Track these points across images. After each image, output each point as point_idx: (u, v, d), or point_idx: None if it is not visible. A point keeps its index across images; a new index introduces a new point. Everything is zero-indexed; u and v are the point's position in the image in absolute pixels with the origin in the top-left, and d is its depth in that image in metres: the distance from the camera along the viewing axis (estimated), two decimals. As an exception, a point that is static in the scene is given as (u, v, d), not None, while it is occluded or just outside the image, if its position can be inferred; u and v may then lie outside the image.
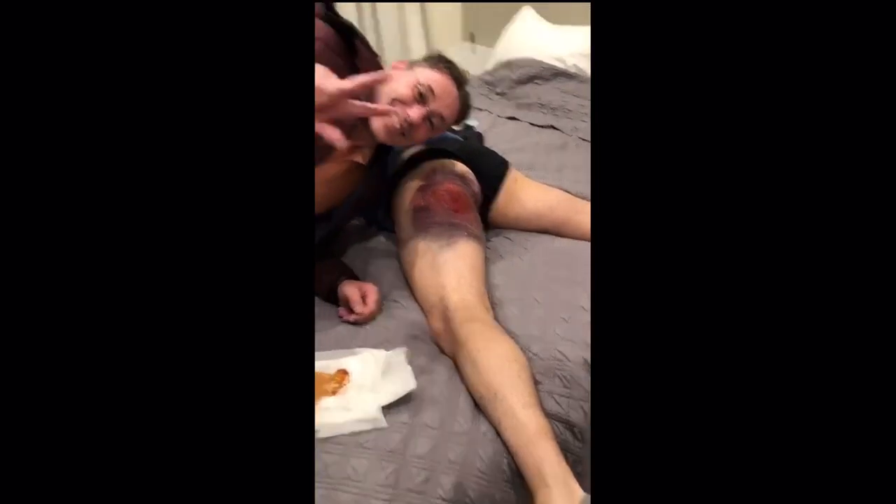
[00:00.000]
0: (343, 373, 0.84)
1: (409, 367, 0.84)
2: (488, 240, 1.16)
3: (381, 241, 1.20)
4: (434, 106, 0.96)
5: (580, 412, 0.83)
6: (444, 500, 0.71)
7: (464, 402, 0.81)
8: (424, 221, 1.04)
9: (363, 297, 0.98)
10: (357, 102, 0.77)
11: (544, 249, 1.13)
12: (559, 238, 1.17)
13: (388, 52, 2.61)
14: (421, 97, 0.94)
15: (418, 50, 2.70)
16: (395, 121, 0.91)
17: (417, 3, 2.62)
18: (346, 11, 2.49)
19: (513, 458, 0.75)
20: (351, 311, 0.98)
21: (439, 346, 0.94)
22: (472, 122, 1.56)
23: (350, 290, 0.99)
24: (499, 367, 0.80)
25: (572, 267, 1.05)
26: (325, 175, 1.00)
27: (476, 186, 1.16)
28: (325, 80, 0.73)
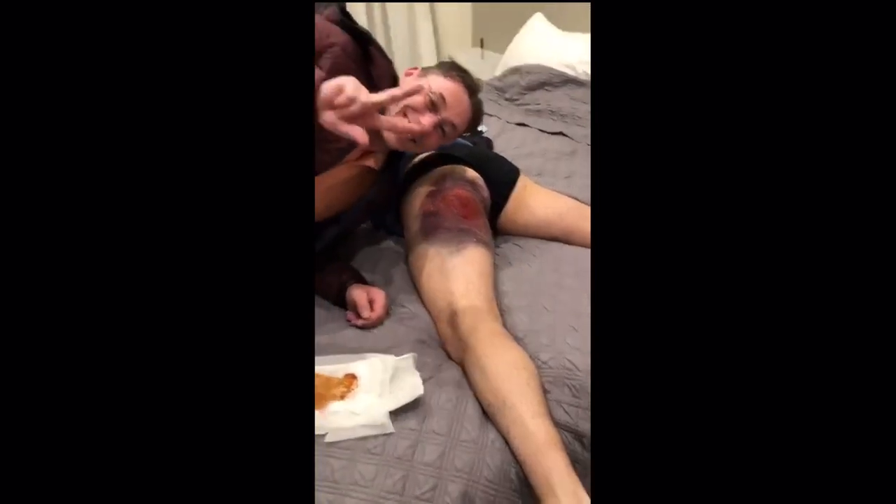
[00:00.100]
0: (351, 377, 0.84)
1: (416, 373, 0.84)
2: (497, 246, 1.16)
3: (389, 245, 1.20)
4: (445, 114, 0.96)
5: (589, 422, 0.82)
6: (451, 508, 0.70)
7: (472, 410, 0.81)
8: (433, 227, 1.03)
9: (371, 303, 0.98)
10: (384, 117, 0.80)
11: (553, 257, 1.12)
12: (568, 245, 1.17)
13: (398, 56, 2.62)
14: (433, 105, 0.94)
15: (428, 55, 2.71)
16: (405, 123, 0.92)
17: (428, 9, 2.63)
18: (357, 15, 2.50)
19: (521, 467, 0.74)
20: (359, 315, 0.98)
21: (447, 352, 0.93)
22: (480, 127, 1.56)
23: (358, 294, 0.99)
24: (507, 374, 0.80)
25: (581, 275, 1.04)
26: (337, 178, 1.01)
27: (486, 192, 1.16)
28: (358, 91, 0.74)
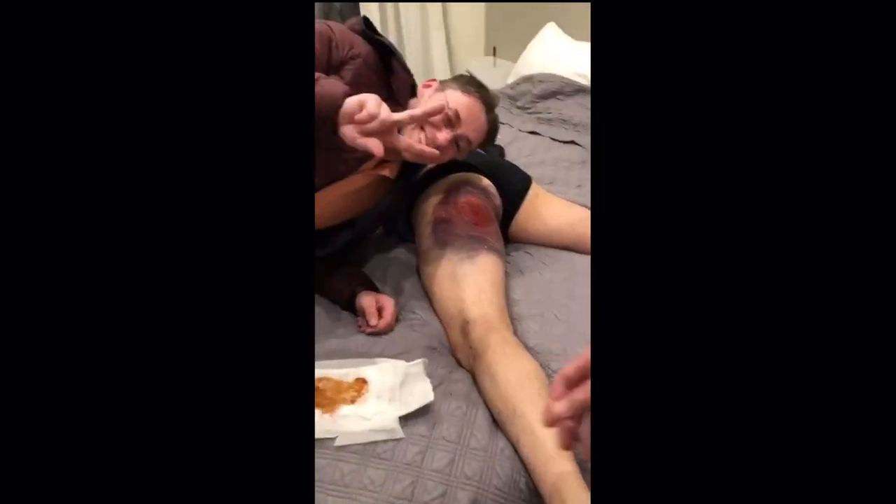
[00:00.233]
0: (362, 381, 0.84)
1: (427, 379, 0.84)
2: (508, 254, 1.16)
3: (401, 251, 1.20)
4: (461, 130, 0.97)
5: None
6: (460, 515, 0.70)
7: (481, 417, 0.81)
8: (445, 234, 1.04)
9: (380, 310, 0.98)
10: (402, 137, 0.82)
11: (565, 266, 1.12)
12: (579, 255, 1.17)
13: (411, 64, 2.62)
14: (449, 121, 0.95)
15: (441, 63, 2.72)
16: (422, 146, 0.92)
17: (441, 18, 2.65)
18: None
19: (530, 475, 0.74)
20: (368, 322, 0.98)
21: (457, 360, 0.93)
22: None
23: (367, 301, 0.99)
24: (518, 382, 0.80)
25: (592, 284, 1.04)
26: (352, 187, 1.02)
27: (497, 200, 1.16)
28: (379, 108, 0.75)
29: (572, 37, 2.15)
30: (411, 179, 1.13)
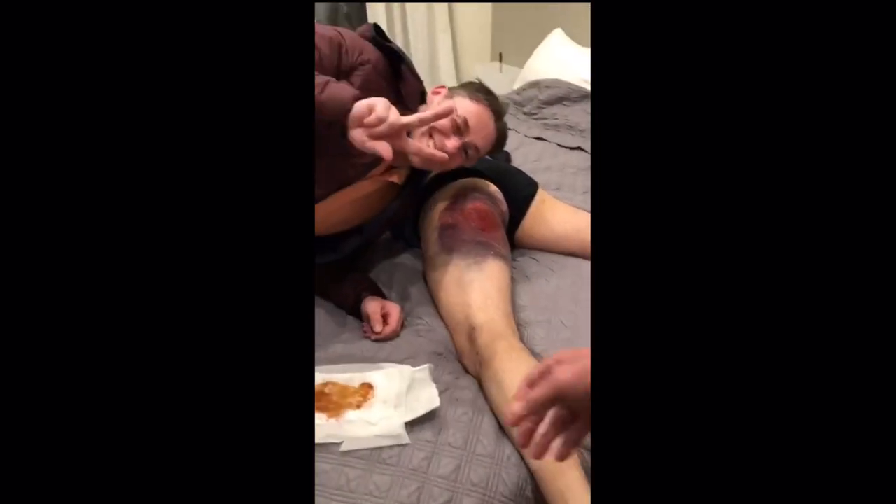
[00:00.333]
0: (368, 386, 0.84)
1: (433, 385, 0.84)
2: (514, 260, 1.16)
3: (407, 257, 1.20)
4: (470, 138, 0.97)
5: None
6: (465, 522, 0.70)
7: (487, 424, 0.81)
8: (452, 239, 1.04)
9: (385, 316, 0.98)
10: (411, 141, 0.82)
11: (571, 272, 1.12)
12: (585, 261, 1.16)
13: (417, 69, 2.64)
14: (458, 128, 0.95)
15: (447, 69, 2.73)
16: (431, 150, 0.93)
17: (447, 23, 2.66)
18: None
19: (537, 483, 0.74)
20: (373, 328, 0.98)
21: (463, 365, 0.93)
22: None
23: (373, 307, 0.99)
24: (525, 389, 0.79)
25: (599, 291, 1.04)
26: (360, 193, 1.02)
27: (504, 206, 1.16)
28: (388, 111, 0.76)
29: (579, 43, 2.15)
30: (418, 185, 1.13)
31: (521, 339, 0.94)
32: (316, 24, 1.04)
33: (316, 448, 0.76)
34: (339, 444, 0.76)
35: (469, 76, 2.80)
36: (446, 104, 0.82)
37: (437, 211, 1.10)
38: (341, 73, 0.91)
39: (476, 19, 2.77)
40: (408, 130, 0.81)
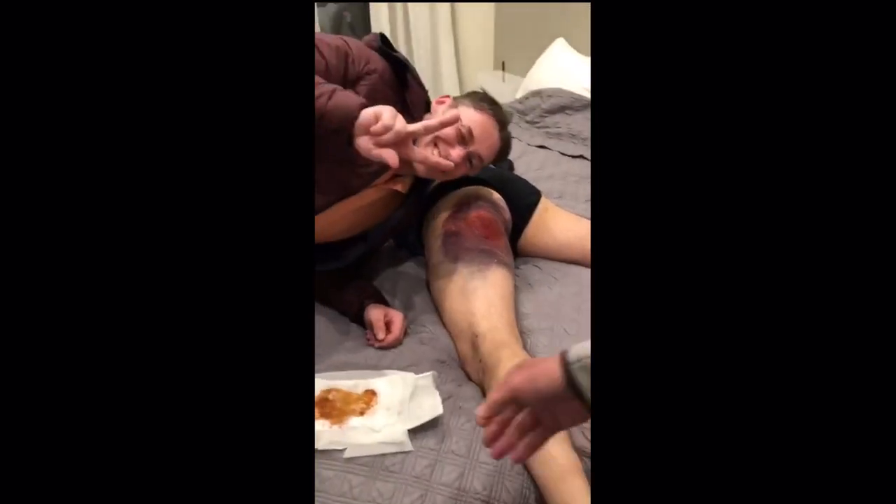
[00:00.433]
0: (371, 393, 0.84)
1: (436, 392, 0.84)
2: (517, 268, 1.16)
3: (411, 265, 1.21)
4: (474, 147, 0.98)
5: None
6: (468, 530, 0.70)
7: (491, 431, 0.81)
8: (455, 247, 1.04)
9: (388, 324, 0.98)
10: (416, 149, 0.83)
11: (574, 280, 1.13)
12: (588, 269, 1.17)
13: (420, 77, 2.66)
14: (462, 138, 0.96)
15: (449, 77, 2.75)
16: (437, 158, 0.93)
17: (450, 31, 2.68)
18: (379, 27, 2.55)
19: (541, 492, 0.74)
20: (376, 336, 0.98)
21: (467, 373, 0.93)
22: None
23: (376, 315, 0.99)
24: (528, 397, 0.79)
25: (602, 299, 1.04)
26: (365, 201, 1.02)
27: (507, 214, 1.16)
28: (395, 119, 0.76)
29: (581, 52, 2.17)
30: (422, 194, 1.13)
31: (525, 346, 0.94)
32: (322, 33, 1.05)
33: (319, 455, 0.76)
34: (342, 451, 0.76)
35: (472, 85, 2.81)
36: (452, 112, 0.83)
37: (441, 219, 1.10)
38: (348, 82, 0.92)
39: (479, 28, 2.79)
40: (413, 139, 0.81)
